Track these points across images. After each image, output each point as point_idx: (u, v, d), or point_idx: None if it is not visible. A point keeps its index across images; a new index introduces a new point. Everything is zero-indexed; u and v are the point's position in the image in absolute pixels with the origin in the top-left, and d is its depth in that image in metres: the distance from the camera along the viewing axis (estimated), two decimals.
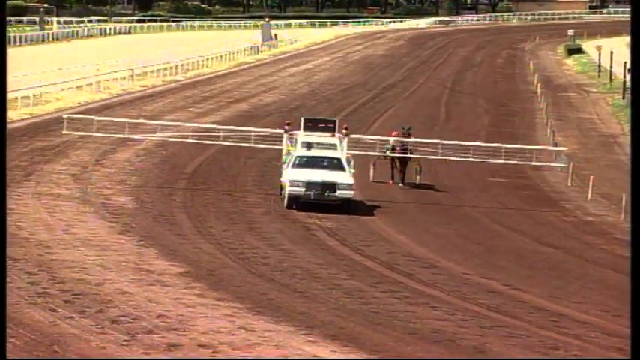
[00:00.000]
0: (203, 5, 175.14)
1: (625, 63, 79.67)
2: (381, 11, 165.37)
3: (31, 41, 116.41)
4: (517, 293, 27.31)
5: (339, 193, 35.86)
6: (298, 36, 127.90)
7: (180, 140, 43.31)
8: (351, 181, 36.42)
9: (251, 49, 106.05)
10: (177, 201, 37.27)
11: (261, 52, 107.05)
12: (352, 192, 36.22)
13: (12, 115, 56.03)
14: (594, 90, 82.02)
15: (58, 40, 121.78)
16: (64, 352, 19.94)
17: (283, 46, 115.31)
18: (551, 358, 16.53)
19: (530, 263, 31.74)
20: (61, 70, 75.23)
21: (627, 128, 62.90)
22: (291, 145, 38.92)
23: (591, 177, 40.42)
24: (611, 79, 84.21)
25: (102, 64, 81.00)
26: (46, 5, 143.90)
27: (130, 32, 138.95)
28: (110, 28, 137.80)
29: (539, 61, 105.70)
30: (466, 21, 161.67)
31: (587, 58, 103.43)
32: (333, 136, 38.51)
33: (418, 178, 41.61)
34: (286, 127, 39.56)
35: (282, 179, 37.28)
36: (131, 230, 31.76)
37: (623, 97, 73.22)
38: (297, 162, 37.08)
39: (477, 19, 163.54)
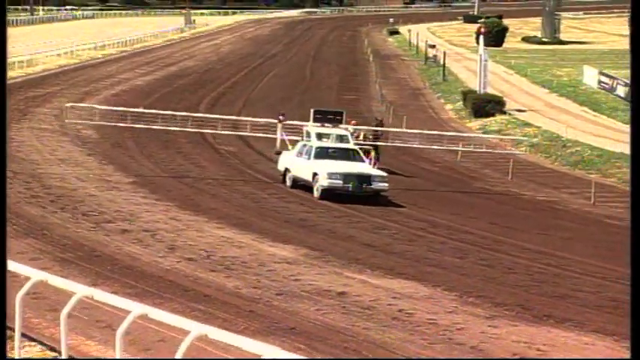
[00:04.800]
0: None
1: (426, 41, 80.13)
2: (266, 3, 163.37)
3: (24, 23, 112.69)
4: None
5: (374, 185, 25.56)
6: (210, 21, 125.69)
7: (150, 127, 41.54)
8: (384, 173, 26.37)
9: (177, 30, 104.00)
10: (127, 133, 36.61)
11: (184, 32, 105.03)
12: (386, 184, 25.83)
13: (12, 74, 54.17)
14: (406, 58, 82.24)
15: (43, 22, 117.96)
16: (51, 235, 19.53)
17: (199, 28, 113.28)
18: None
19: None
20: (45, 43, 73.16)
21: (428, 83, 63.39)
22: (287, 135, 28.90)
23: (404, 117, 40.60)
24: (417, 51, 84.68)
25: (74, 39, 78.84)
26: None
27: (93, 17, 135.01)
28: (79, 14, 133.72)
29: (371, 39, 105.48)
30: (323, 12, 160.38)
31: (402, 37, 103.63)
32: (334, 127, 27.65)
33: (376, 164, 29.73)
34: (281, 117, 29.37)
35: (285, 166, 27.40)
36: (96, 153, 31.22)
37: (425, 63, 73.70)
38: (317, 153, 26.31)
39: (331, 11, 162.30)
